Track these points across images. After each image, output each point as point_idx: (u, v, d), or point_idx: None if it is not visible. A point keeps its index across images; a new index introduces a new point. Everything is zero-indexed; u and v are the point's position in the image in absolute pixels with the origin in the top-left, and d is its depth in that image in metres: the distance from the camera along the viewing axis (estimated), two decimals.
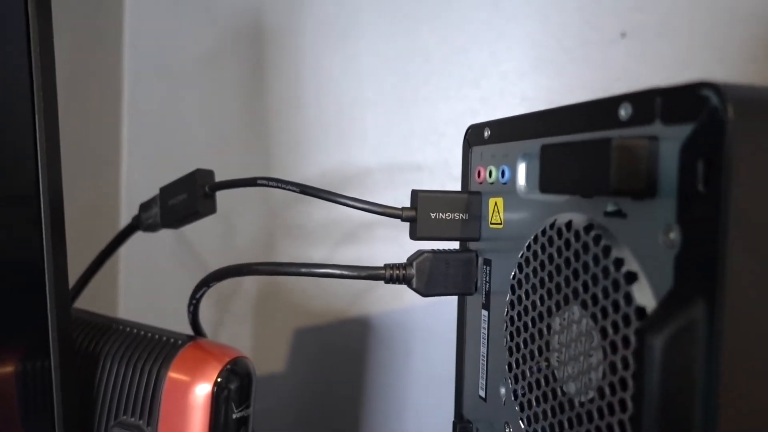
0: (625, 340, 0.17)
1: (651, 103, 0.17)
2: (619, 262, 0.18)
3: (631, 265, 0.17)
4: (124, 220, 0.65)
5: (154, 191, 0.37)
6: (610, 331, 0.18)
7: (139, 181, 0.65)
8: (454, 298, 0.29)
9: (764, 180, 0.14)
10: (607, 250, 0.18)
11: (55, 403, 0.29)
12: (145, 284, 0.66)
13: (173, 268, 0.63)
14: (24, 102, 0.29)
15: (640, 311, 0.17)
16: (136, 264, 0.66)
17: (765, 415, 0.15)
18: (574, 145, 0.18)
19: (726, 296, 0.14)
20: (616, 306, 0.18)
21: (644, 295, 0.17)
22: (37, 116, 0.29)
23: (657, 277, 0.17)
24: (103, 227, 0.62)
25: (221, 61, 0.61)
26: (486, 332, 0.27)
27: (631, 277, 0.17)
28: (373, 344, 0.52)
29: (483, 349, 0.27)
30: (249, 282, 0.60)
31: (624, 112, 0.18)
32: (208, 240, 0.61)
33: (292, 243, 0.57)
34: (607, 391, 0.18)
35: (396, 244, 0.48)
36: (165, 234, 0.62)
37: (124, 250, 0.66)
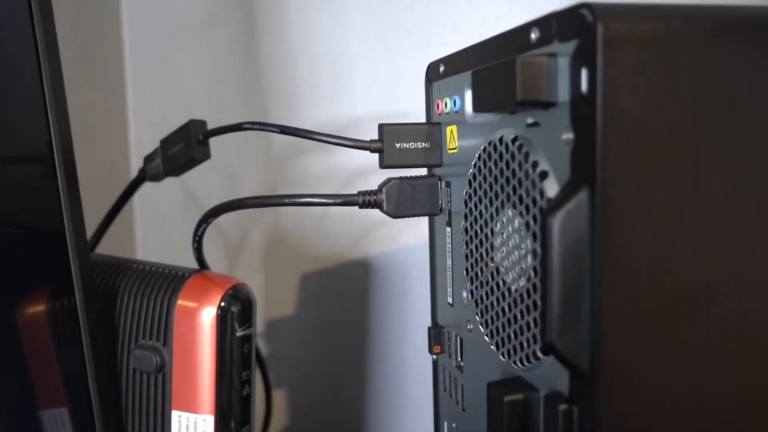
0: (542, 229, 0.21)
1: (550, 25, 0.20)
2: (535, 164, 0.21)
3: (544, 165, 0.21)
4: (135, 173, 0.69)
5: None
6: (531, 223, 0.22)
7: (147, 142, 0.69)
8: None
9: (633, 81, 0.18)
10: (527, 156, 0.22)
11: (83, 334, 0.34)
12: (159, 237, 0.71)
13: (183, 220, 0.68)
14: (33, 74, 0.32)
15: (550, 202, 0.20)
16: (150, 219, 0.71)
17: (640, 275, 0.18)
18: (492, 67, 0.21)
19: (604, 180, 0.18)
20: (534, 201, 0.21)
21: (553, 189, 0.20)
22: (45, 84, 0.32)
23: (562, 173, 0.20)
24: (118, 186, 0.66)
25: (215, 25, 0.64)
26: (450, 246, 0.30)
27: (544, 175, 0.21)
28: (373, 284, 0.56)
29: (449, 262, 0.30)
30: (256, 234, 0.65)
31: (533, 35, 0.21)
32: (214, 195, 0.65)
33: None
34: (532, 274, 0.22)
35: None
36: (175, 192, 0.67)
37: (139, 207, 0.70)
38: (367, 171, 0.55)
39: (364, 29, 0.54)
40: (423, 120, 0.31)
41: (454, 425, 0.31)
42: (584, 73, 0.18)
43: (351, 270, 0.57)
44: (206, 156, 0.36)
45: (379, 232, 0.55)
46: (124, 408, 0.35)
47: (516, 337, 0.23)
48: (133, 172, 0.70)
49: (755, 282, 0.19)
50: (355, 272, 0.57)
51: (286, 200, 0.30)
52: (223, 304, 0.33)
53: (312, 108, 0.58)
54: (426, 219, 0.51)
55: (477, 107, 0.23)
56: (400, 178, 0.30)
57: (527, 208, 0.22)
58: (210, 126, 0.35)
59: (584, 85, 0.18)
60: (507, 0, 0.47)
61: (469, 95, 0.27)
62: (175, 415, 0.34)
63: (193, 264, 0.37)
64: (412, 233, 0.53)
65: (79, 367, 0.34)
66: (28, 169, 0.34)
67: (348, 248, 0.57)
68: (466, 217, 0.27)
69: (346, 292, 0.58)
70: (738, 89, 0.18)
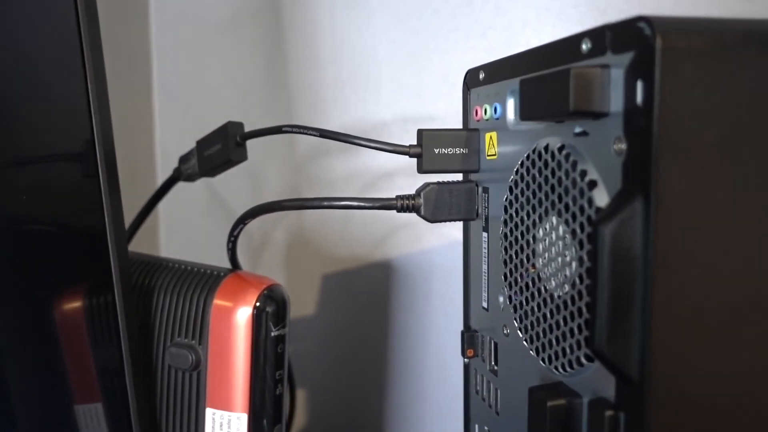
0: (590, 237, 0.21)
1: (603, 37, 0.20)
2: (583, 173, 0.21)
3: (593, 174, 0.21)
4: (161, 176, 0.70)
5: (185, 150, 0.41)
6: (578, 231, 0.22)
7: (171, 143, 0.70)
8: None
9: (689, 93, 0.18)
10: (574, 165, 0.22)
11: (121, 331, 0.34)
12: (182, 236, 0.71)
13: (206, 221, 0.68)
14: (78, 72, 0.33)
15: (599, 211, 0.21)
16: (175, 219, 0.72)
17: (691, 284, 0.19)
18: (544, 76, 0.22)
19: (658, 190, 0.18)
20: (582, 210, 0.22)
21: (602, 198, 0.21)
22: (89, 83, 0.33)
23: (611, 182, 0.20)
24: (141, 185, 0.67)
25: (242, 26, 0.65)
26: (486, 251, 0.30)
27: (593, 184, 0.21)
28: (395, 285, 0.57)
29: (485, 267, 0.31)
30: (278, 234, 0.65)
31: (585, 46, 0.21)
32: (238, 196, 0.66)
33: (315, 195, 0.61)
34: (577, 281, 0.22)
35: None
36: (199, 192, 0.67)
37: (164, 206, 0.71)
38: (391, 173, 0.55)
39: (390, 32, 0.54)
40: (453, 124, 0.31)
41: (486, 428, 0.31)
42: (640, 85, 0.18)
43: (373, 271, 0.58)
44: (243, 158, 0.36)
45: (403, 234, 0.56)
46: (159, 405, 0.36)
47: (558, 343, 0.24)
48: (159, 173, 0.71)
49: None
50: (377, 273, 0.58)
51: (325, 203, 0.30)
52: (258, 304, 0.34)
53: (337, 110, 0.58)
54: (450, 223, 0.51)
55: (525, 115, 0.23)
56: (438, 183, 0.31)
57: (573, 217, 0.22)
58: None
59: (639, 97, 0.18)
60: (535, 7, 0.47)
61: (511, 103, 0.27)
62: (209, 412, 0.34)
63: (217, 264, 0.37)
64: (435, 235, 0.53)
65: (116, 363, 0.34)
66: (70, 167, 0.35)
67: (370, 249, 0.58)
68: (506, 223, 0.28)
69: (367, 294, 0.58)
70: None
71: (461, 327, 0.33)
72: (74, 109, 0.34)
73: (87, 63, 0.33)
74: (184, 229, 0.71)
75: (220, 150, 0.36)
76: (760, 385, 0.19)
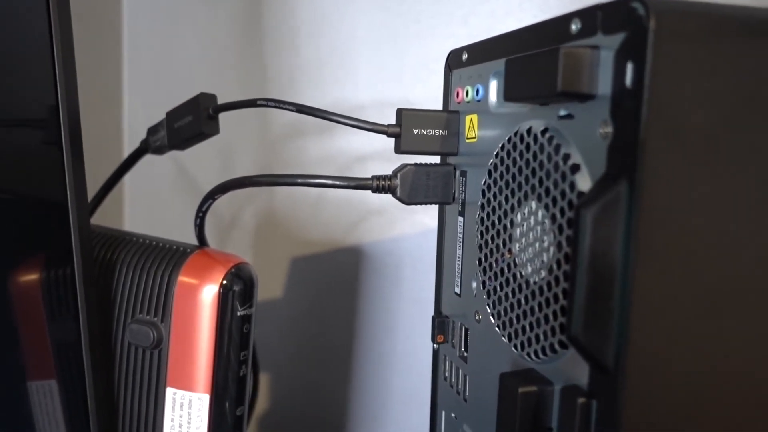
0: (570, 222, 0.21)
1: (594, 17, 0.19)
2: (566, 157, 0.21)
3: (576, 158, 0.21)
4: (128, 149, 0.68)
5: (154, 122, 0.39)
6: (558, 215, 0.21)
7: (140, 114, 0.68)
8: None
9: (680, 77, 0.18)
10: (558, 148, 0.21)
11: (79, 305, 0.33)
12: (148, 211, 0.70)
13: (174, 196, 0.67)
14: (42, 36, 0.31)
15: (581, 195, 0.20)
16: (140, 193, 0.70)
17: (672, 272, 0.18)
18: (531, 56, 0.21)
19: (644, 175, 0.18)
20: (563, 194, 0.21)
21: (585, 183, 0.20)
22: (55, 46, 0.31)
23: (595, 166, 0.20)
24: (108, 157, 0.65)
25: None
26: (461, 236, 0.30)
27: (575, 168, 0.21)
28: (366, 271, 0.56)
29: (459, 252, 0.30)
30: (248, 214, 0.64)
31: (574, 26, 0.21)
32: (207, 173, 0.64)
33: None
34: (554, 266, 0.22)
35: None
36: (167, 167, 0.66)
37: (129, 184, 0.69)
38: (366, 158, 0.55)
39: (372, 14, 0.53)
40: (431, 108, 0.31)
41: (453, 415, 0.31)
42: (630, 67, 0.18)
43: (344, 256, 0.57)
44: (215, 131, 0.35)
45: (375, 220, 0.55)
46: (117, 382, 0.35)
47: (531, 329, 0.23)
48: (126, 145, 0.69)
49: None
50: (347, 258, 0.57)
51: (299, 180, 0.29)
52: (225, 282, 0.33)
53: (314, 90, 0.57)
54: (423, 209, 0.51)
55: (509, 96, 0.23)
56: (416, 164, 0.30)
57: (554, 201, 0.22)
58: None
59: (629, 79, 0.18)
60: None
61: (494, 84, 0.27)
62: (169, 392, 0.33)
63: (182, 240, 0.36)
64: (408, 222, 0.53)
65: (73, 338, 0.33)
66: (32, 133, 0.33)
67: (342, 234, 0.57)
68: (483, 207, 0.27)
69: (337, 278, 0.58)
70: None
71: (431, 315, 0.33)
72: (38, 73, 0.32)
73: (53, 24, 0.31)
74: (151, 204, 0.69)
75: (191, 122, 0.35)
76: (736, 376, 0.19)
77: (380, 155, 0.52)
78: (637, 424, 0.19)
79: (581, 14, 0.20)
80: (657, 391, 0.19)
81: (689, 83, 0.18)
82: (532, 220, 0.23)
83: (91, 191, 0.44)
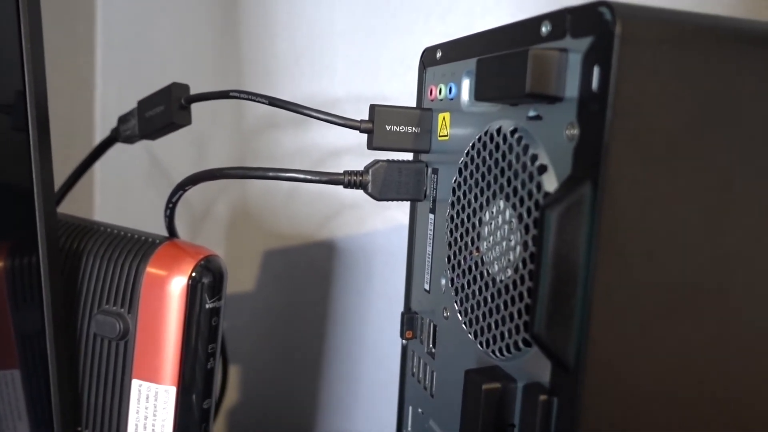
0: (536, 222, 0.21)
1: (564, 20, 0.20)
2: (534, 158, 0.21)
3: (544, 159, 0.21)
4: (99, 137, 0.67)
5: (126, 111, 0.39)
6: (525, 215, 0.22)
7: (112, 103, 0.67)
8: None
9: (645, 82, 0.18)
10: (526, 149, 0.22)
11: (44, 294, 0.32)
12: (118, 201, 0.69)
13: (145, 187, 0.66)
14: (9, 16, 0.31)
15: (548, 196, 0.20)
16: (111, 183, 0.69)
17: (633, 272, 0.19)
18: (501, 56, 0.21)
19: (606, 177, 0.18)
20: (530, 194, 0.21)
21: (551, 183, 0.21)
22: (22, 28, 0.31)
23: (561, 167, 0.20)
24: (78, 144, 0.64)
25: None
26: (432, 233, 0.30)
27: (542, 169, 0.21)
28: (338, 266, 0.56)
29: (429, 249, 0.30)
30: (220, 206, 0.63)
31: (545, 28, 0.21)
32: (179, 164, 0.63)
33: None
34: (520, 265, 0.22)
35: None
36: (139, 157, 0.65)
37: (100, 173, 0.68)
38: (340, 152, 0.55)
39: (349, 8, 0.53)
40: (407, 104, 0.31)
41: (420, 410, 0.31)
42: (596, 71, 0.18)
43: (315, 250, 0.57)
44: (187, 121, 0.35)
45: (347, 215, 0.55)
46: (81, 374, 0.34)
47: (497, 327, 0.24)
48: (97, 133, 0.68)
49: (742, 285, 0.20)
50: (319, 253, 0.57)
51: (270, 174, 0.29)
52: (194, 274, 0.32)
53: (289, 84, 0.57)
54: (395, 205, 0.51)
55: (479, 95, 0.23)
56: (388, 161, 0.30)
57: (521, 201, 0.22)
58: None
59: (595, 83, 0.18)
60: None
61: (466, 83, 0.27)
62: (135, 384, 0.33)
63: (153, 232, 0.36)
64: (380, 218, 0.53)
65: (37, 328, 0.32)
66: None
67: (314, 228, 0.57)
68: (453, 205, 0.27)
69: (308, 272, 0.58)
70: (742, 99, 0.19)
71: (401, 310, 0.33)
72: (4, 55, 0.31)
73: (21, 6, 0.31)
74: (122, 194, 0.68)
75: (163, 112, 0.34)
76: (696, 373, 0.20)
77: (354, 150, 0.52)
78: (596, 422, 0.19)
79: (551, 17, 0.20)
80: (616, 390, 0.19)
81: (653, 87, 0.18)
82: (499, 219, 0.24)
83: (60, 179, 0.44)
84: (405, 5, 0.51)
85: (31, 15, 0.31)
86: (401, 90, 0.51)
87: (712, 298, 0.20)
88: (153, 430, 0.33)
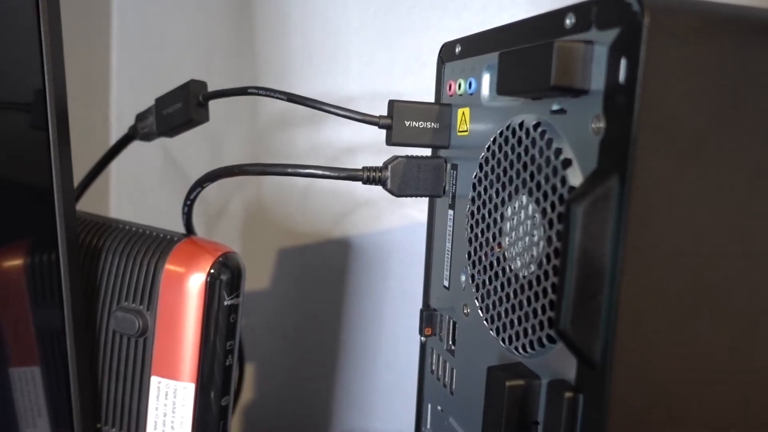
0: (560, 217, 0.21)
1: (589, 12, 0.19)
2: (558, 152, 0.21)
3: (568, 153, 0.21)
4: (115, 135, 0.67)
5: (142, 109, 0.39)
6: (549, 210, 0.22)
7: (128, 101, 0.67)
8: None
9: (673, 74, 0.18)
10: (549, 143, 0.21)
11: (64, 292, 0.33)
12: (135, 199, 0.69)
13: (160, 185, 0.66)
14: (29, 17, 0.31)
15: (572, 190, 0.20)
16: (128, 181, 0.69)
17: (660, 268, 0.18)
18: (525, 49, 0.21)
19: (634, 170, 0.18)
20: (554, 189, 0.21)
21: (576, 177, 0.20)
22: (42, 28, 0.31)
23: (587, 161, 0.20)
24: (95, 142, 0.64)
25: None
26: (451, 229, 0.30)
27: (567, 163, 0.21)
28: (353, 264, 0.56)
29: (448, 245, 0.30)
30: (236, 204, 0.63)
31: (569, 21, 0.21)
32: (195, 162, 0.63)
33: None
34: (544, 261, 0.22)
35: None
36: (155, 155, 0.65)
37: (115, 171, 0.68)
38: (355, 150, 0.54)
39: (363, 5, 0.53)
40: (423, 101, 0.31)
41: (439, 408, 0.31)
42: (624, 63, 0.18)
43: (331, 247, 0.57)
44: (205, 118, 0.35)
45: (363, 212, 0.55)
46: (101, 371, 0.34)
47: (520, 323, 0.23)
48: (114, 131, 0.68)
49: None
50: (335, 250, 0.57)
51: (289, 170, 0.29)
52: (212, 271, 0.33)
53: (304, 81, 0.57)
54: (411, 203, 0.51)
55: (502, 89, 0.23)
56: (407, 156, 0.30)
57: (545, 195, 0.22)
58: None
59: (622, 75, 0.18)
60: None
61: (486, 78, 0.27)
62: (154, 381, 0.33)
63: (169, 229, 0.36)
64: (396, 215, 0.53)
65: (57, 325, 0.32)
66: (17, 117, 0.32)
67: (329, 226, 0.57)
68: (473, 200, 0.27)
69: (324, 270, 0.58)
70: None
71: (418, 308, 0.33)
72: (25, 55, 0.31)
73: (41, 8, 0.31)
74: (138, 191, 0.69)
75: (181, 109, 0.34)
76: (723, 372, 0.20)
77: (370, 148, 0.52)
78: (623, 419, 0.19)
79: (576, 9, 0.20)
80: (643, 387, 0.19)
81: (682, 80, 0.18)
82: (522, 215, 0.23)
83: (78, 177, 0.44)
84: (420, 3, 0.50)
85: (51, 16, 0.31)
86: (416, 87, 0.51)
87: (740, 296, 0.19)
88: (172, 426, 0.33)
